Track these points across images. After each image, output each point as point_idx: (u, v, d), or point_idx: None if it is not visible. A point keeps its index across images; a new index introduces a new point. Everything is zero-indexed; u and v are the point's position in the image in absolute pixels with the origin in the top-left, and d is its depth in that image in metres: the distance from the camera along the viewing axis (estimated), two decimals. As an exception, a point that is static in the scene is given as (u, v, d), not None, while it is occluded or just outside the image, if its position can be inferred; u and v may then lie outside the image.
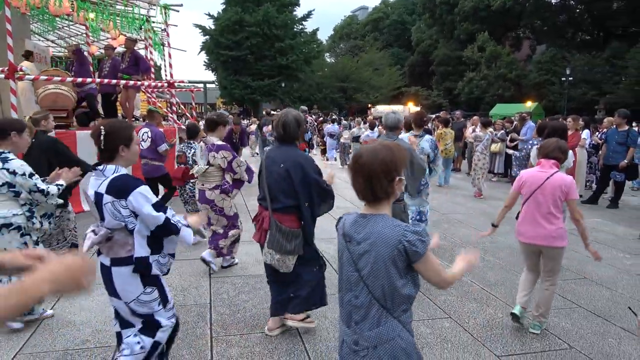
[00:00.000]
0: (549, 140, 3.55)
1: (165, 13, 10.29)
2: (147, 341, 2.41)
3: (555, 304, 3.78)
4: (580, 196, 8.00)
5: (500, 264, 5.12)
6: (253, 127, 17.06)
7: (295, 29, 39.66)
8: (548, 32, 40.25)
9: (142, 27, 11.21)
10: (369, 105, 39.58)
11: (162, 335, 2.45)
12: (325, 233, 5.17)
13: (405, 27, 56.08)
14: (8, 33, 6.54)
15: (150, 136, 5.91)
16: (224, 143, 4.59)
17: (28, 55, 8.64)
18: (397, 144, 1.74)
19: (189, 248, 5.02)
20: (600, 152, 9.02)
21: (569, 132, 8.01)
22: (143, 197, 2.23)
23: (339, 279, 1.84)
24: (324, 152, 16.27)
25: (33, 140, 3.82)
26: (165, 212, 2.28)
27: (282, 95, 38.98)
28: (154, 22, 11.14)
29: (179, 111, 12.06)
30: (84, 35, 12.33)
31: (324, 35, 78.05)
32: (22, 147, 3.35)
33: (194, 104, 12.82)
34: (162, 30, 11.31)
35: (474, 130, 10.94)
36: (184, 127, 9.38)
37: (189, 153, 5.51)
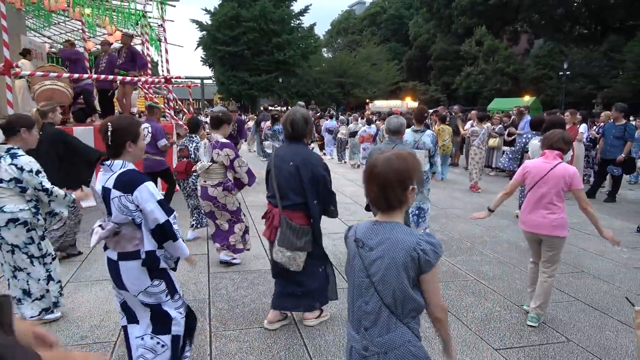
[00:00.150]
0: (554, 131, 3.61)
1: (161, 8, 10.21)
2: (166, 338, 2.44)
3: (553, 297, 3.80)
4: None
5: (499, 258, 5.14)
6: (251, 124, 17.01)
7: (292, 24, 39.46)
8: (546, 25, 40.18)
9: (139, 22, 11.16)
10: (367, 101, 39.54)
11: (177, 329, 2.48)
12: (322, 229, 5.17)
13: (402, 22, 55.89)
14: (3, 29, 6.49)
15: (150, 131, 5.92)
16: (228, 141, 4.60)
17: (26, 54, 8.59)
18: (410, 153, 1.77)
19: (188, 244, 5.01)
20: (597, 146, 9.03)
21: (567, 126, 8.02)
22: (148, 193, 2.26)
23: (348, 285, 1.85)
24: (321, 147, 16.25)
25: (41, 132, 3.83)
26: (168, 215, 2.30)
27: (279, 91, 38.88)
28: (150, 17, 11.07)
29: (176, 107, 12.03)
30: (80, 31, 12.27)
31: (321, 30, 77.98)
32: (31, 143, 3.38)
33: (191, 99, 12.80)
34: (159, 25, 11.24)
35: (472, 125, 10.94)
36: (181, 122, 9.37)
37: (191, 146, 5.52)
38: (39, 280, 3.37)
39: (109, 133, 2.27)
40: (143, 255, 2.31)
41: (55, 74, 7.35)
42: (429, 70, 47.56)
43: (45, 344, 1.12)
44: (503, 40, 42.59)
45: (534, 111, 18.36)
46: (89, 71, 9.71)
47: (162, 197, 2.34)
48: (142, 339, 2.44)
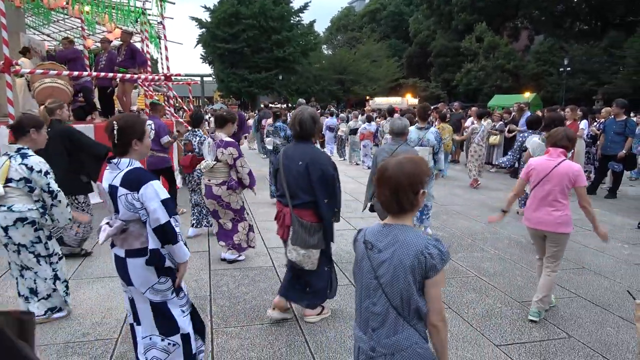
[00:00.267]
0: (557, 129, 3.65)
1: (160, 5, 10.20)
2: (175, 338, 2.46)
3: (554, 294, 3.81)
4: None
5: (500, 254, 5.14)
6: (250, 122, 16.97)
7: (292, 21, 39.39)
8: (546, 21, 40.10)
9: (138, 19, 11.13)
10: (367, 97, 39.46)
11: (184, 326, 2.48)
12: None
13: (402, 18, 55.74)
14: (3, 27, 6.47)
15: (153, 128, 5.93)
16: (232, 140, 4.60)
17: (25, 52, 8.58)
18: (421, 157, 1.79)
19: (189, 242, 5.01)
20: (598, 142, 9.03)
21: (567, 123, 8.02)
22: (154, 192, 2.26)
23: (356, 287, 1.85)
24: (322, 145, 16.23)
25: (49, 129, 3.84)
26: (171, 216, 2.30)
27: (279, 88, 38.84)
28: (149, 14, 11.05)
29: (176, 104, 12.01)
30: (80, 28, 12.23)
31: (321, 27, 77.74)
32: (40, 143, 3.41)
33: (191, 97, 12.79)
34: (158, 23, 11.21)
35: (472, 123, 10.92)
36: (181, 120, 9.35)
37: (195, 141, 5.51)
38: (46, 279, 3.39)
39: (115, 132, 2.28)
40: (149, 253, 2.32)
41: (55, 72, 7.34)
42: (429, 66, 47.47)
43: None
44: (503, 36, 42.51)
45: (534, 107, 18.36)
46: (88, 69, 9.69)
47: (168, 197, 2.33)
48: (151, 338, 2.45)
